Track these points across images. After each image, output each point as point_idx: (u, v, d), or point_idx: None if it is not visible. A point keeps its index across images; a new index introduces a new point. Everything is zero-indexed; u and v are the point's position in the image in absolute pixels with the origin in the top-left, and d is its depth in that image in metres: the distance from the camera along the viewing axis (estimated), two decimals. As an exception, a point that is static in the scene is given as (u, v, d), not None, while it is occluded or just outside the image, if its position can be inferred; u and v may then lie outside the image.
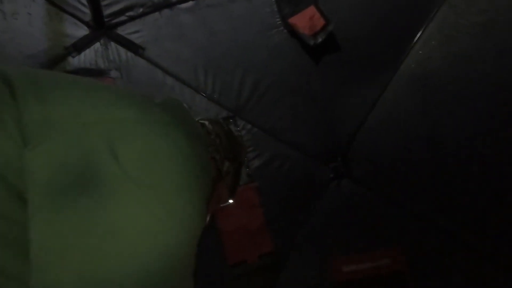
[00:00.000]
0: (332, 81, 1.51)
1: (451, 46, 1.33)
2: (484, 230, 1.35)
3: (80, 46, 1.45)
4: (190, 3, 1.47)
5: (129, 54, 1.50)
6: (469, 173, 1.35)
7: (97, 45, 1.48)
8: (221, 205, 0.75)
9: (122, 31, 1.49)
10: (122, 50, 1.50)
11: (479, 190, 1.34)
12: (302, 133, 1.57)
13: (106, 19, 1.45)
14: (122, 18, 1.48)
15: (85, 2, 1.38)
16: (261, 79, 1.51)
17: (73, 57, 1.45)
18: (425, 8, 1.38)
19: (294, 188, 1.58)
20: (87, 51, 1.47)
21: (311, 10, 1.44)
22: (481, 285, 1.38)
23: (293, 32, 1.46)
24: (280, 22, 1.48)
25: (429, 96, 1.35)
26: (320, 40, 1.41)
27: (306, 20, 1.43)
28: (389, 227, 1.48)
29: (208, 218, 0.71)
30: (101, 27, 1.46)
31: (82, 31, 1.45)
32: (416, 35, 1.40)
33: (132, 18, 1.49)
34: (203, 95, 1.52)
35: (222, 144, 0.67)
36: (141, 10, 1.49)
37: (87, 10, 1.41)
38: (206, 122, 0.67)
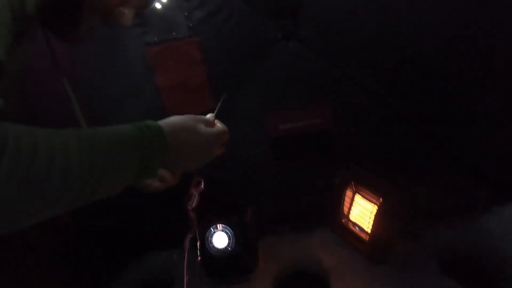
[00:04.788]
0: None
1: None
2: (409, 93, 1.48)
3: None
4: None
5: None
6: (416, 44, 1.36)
7: None
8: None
9: None
10: None
11: (413, 59, 1.39)
12: (252, -19, 1.38)
13: None
14: None
15: None
16: None
17: None
18: None
19: (239, 45, 1.50)
20: None
21: None
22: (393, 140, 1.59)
23: None
24: None
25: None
26: None
27: None
28: (327, 88, 1.54)
29: (128, 14, 0.67)
30: None
31: None
32: None
33: None
34: None
35: None
36: None
37: None
38: None
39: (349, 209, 1.56)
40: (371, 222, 1.41)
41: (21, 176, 0.36)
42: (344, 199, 1.57)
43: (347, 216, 1.59)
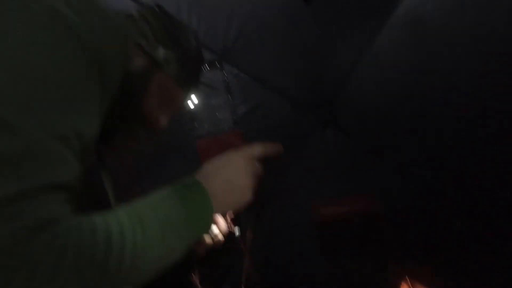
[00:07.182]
0: (322, 28, 1.40)
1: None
2: (465, 185, 1.39)
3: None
4: None
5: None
6: (456, 128, 1.33)
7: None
8: (179, 105, 0.71)
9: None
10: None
11: (466, 147, 1.34)
12: (290, 79, 1.52)
13: None
14: None
15: None
16: (248, 22, 1.41)
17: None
18: None
19: (280, 134, 1.59)
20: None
21: None
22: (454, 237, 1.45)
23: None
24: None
25: (420, 45, 1.28)
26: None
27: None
28: (368, 175, 1.52)
29: (163, 120, 0.69)
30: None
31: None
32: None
33: None
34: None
35: (153, 29, 0.65)
36: None
37: None
38: (134, 11, 0.66)
39: (405, 307, 1.39)
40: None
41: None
42: (398, 296, 1.41)
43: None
